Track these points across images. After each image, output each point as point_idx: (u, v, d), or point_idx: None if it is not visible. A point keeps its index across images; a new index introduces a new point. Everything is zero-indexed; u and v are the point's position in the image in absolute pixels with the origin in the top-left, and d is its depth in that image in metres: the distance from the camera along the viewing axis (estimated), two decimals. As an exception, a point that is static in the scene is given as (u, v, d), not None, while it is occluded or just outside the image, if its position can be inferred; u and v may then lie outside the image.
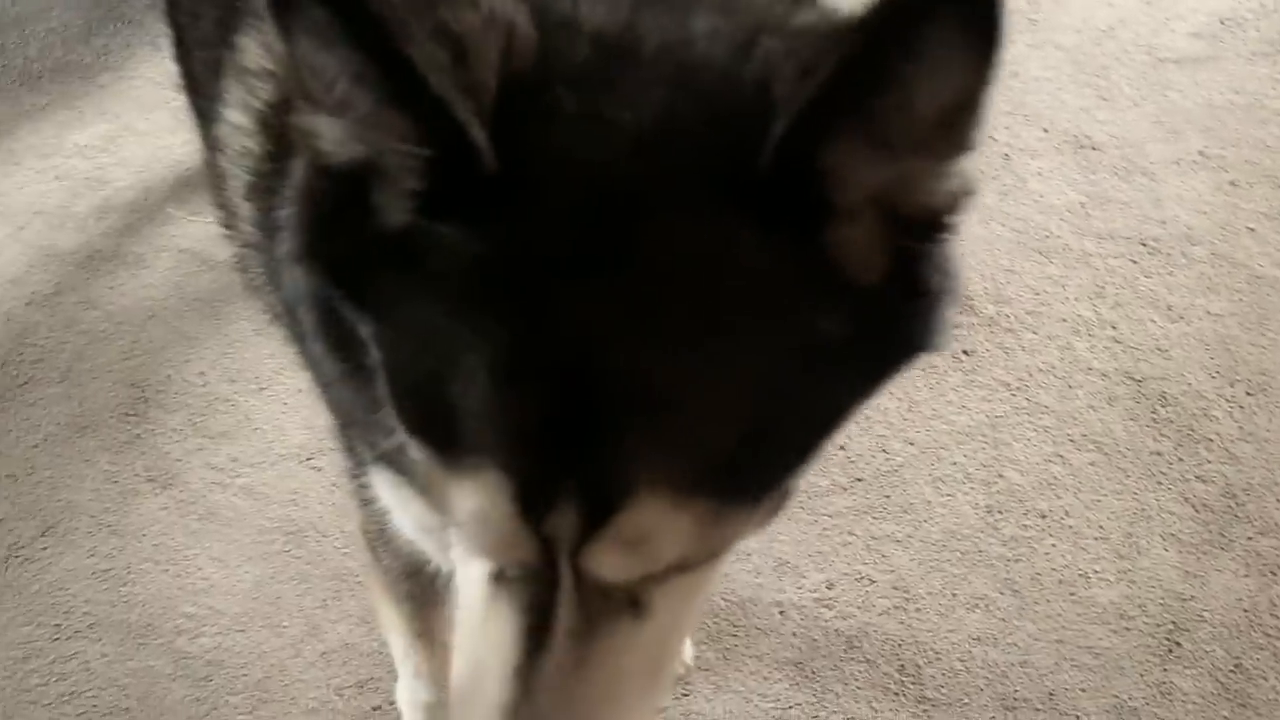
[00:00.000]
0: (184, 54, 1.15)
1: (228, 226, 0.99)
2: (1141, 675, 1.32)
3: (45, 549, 1.41)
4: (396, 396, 0.60)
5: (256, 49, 0.84)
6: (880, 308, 0.55)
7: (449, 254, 0.54)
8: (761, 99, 0.52)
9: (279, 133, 0.80)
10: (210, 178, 1.01)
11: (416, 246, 0.55)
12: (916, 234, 0.56)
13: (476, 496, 0.56)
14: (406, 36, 0.49)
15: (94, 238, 1.72)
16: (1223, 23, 2.01)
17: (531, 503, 0.54)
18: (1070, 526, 1.43)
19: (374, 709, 1.27)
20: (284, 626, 1.34)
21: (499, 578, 0.61)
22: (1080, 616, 1.36)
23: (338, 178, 0.57)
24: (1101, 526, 1.43)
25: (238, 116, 0.86)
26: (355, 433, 0.87)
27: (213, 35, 0.94)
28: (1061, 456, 1.48)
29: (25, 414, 1.53)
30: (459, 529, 0.60)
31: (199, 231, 1.70)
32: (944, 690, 1.30)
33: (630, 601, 0.60)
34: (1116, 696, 1.30)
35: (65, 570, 1.39)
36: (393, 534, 0.94)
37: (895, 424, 1.51)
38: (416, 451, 0.60)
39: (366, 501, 0.92)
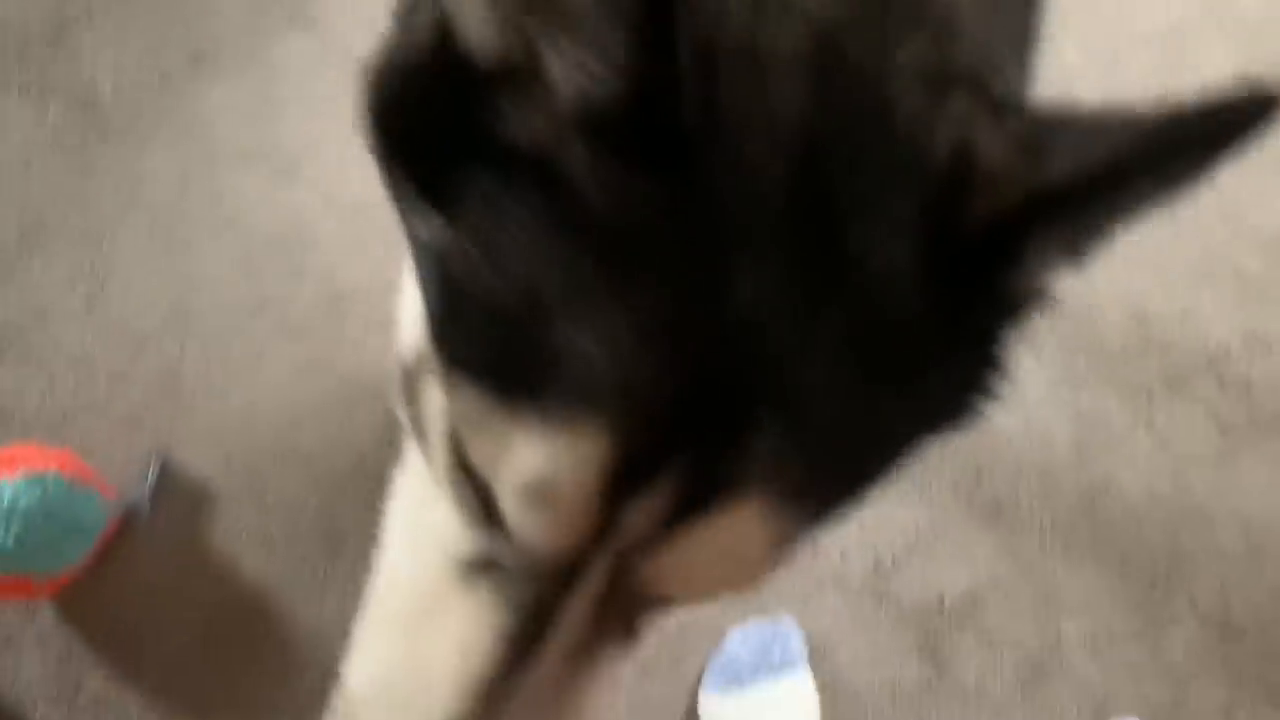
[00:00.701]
0: None
1: None
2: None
3: (194, 79, 1.43)
4: (445, 315, 0.51)
5: None
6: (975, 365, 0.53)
7: (604, 192, 0.46)
8: (960, 164, 0.48)
9: None
10: None
11: (548, 170, 0.47)
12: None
13: (554, 453, 0.47)
14: None
15: None
16: None
17: (625, 475, 0.47)
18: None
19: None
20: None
21: (485, 563, 0.53)
22: (1232, 241, 1.32)
23: (456, 58, 0.47)
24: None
25: None
26: None
27: None
28: (1250, 71, 1.37)
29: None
30: (500, 487, 0.50)
31: None
32: (1076, 294, 1.30)
33: (626, 626, 0.54)
34: (1249, 324, 1.29)
35: (215, 102, 1.41)
36: None
37: (1072, 29, 1.40)
38: (453, 379, 0.50)
39: None
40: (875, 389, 0.49)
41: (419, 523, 0.57)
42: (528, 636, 0.51)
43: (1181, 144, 0.45)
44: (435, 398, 0.53)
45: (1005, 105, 0.52)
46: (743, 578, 0.52)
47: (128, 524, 1.22)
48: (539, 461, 0.47)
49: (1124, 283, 1.30)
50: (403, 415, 0.58)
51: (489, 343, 0.49)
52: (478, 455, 0.50)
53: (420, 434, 0.56)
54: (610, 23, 0.43)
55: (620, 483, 0.46)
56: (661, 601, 0.53)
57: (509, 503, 0.49)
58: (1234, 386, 1.28)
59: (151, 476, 1.23)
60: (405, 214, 0.53)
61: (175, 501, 1.25)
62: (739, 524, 0.48)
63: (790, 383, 0.47)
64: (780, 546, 0.51)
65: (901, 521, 1.25)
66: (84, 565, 1.16)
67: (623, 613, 0.53)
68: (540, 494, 0.48)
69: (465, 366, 0.50)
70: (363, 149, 1.44)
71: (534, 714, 0.51)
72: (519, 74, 0.47)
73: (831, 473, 0.51)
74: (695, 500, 0.47)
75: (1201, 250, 1.31)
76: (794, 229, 0.47)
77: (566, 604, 0.50)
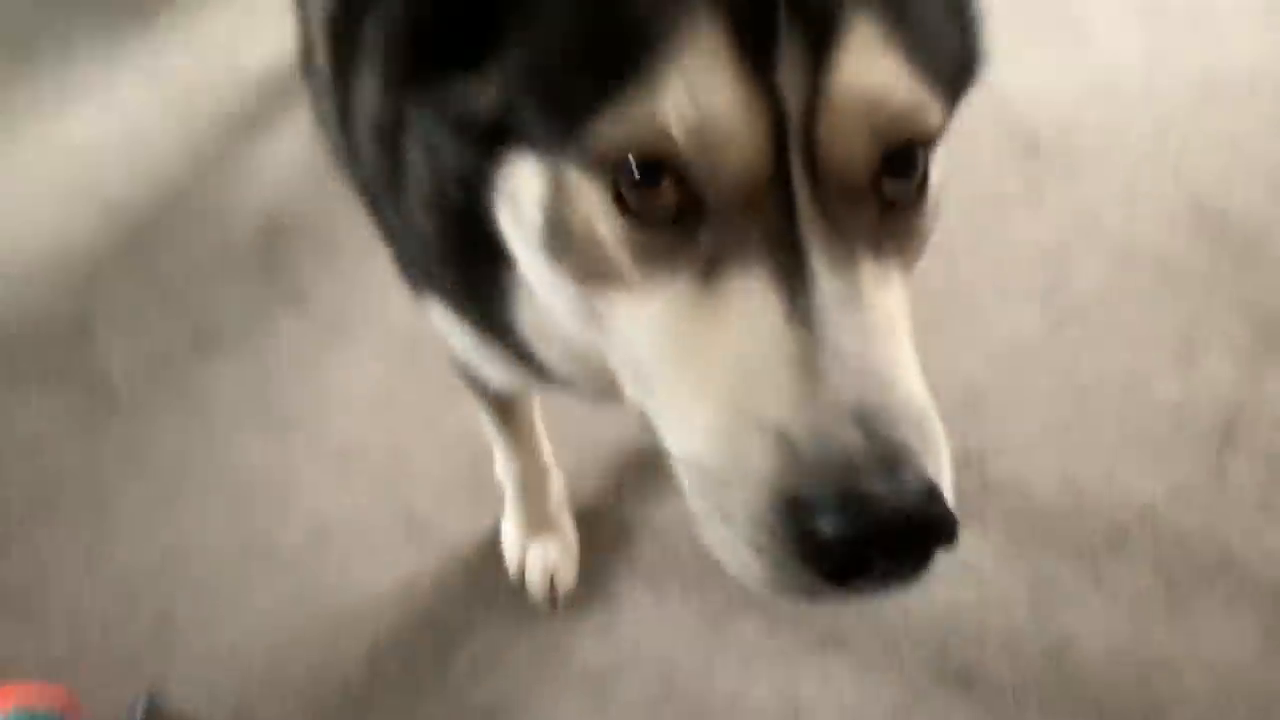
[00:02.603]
0: None
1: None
2: (1197, 461, 1.40)
3: (197, 359, 1.58)
4: (547, 63, 0.57)
5: None
6: None
7: None
8: None
9: None
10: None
11: None
12: None
13: (686, 70, 0.52)
14: None
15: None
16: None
17: (751, 48, 0.52)
18: (1131, 335, 1.52)
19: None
20: (408, 417, 1.49)
21: (707, 273, 0.55)
22: (1141, 410, 1.45)
23: None
24: (1160, 336, 1.51)
25: None
26: (415, 270, 0.89)
27: None
28: (1124, 274, 1.57)
29: (176, 248, 1.70)
30: (678, 144, 0.53)
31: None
32: (1009, 471, 1.40)
33: (870, 243, 0.56)
34: (1173, 477, 1.39)
35: (215, 377, 1.56)
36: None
37: (961, 249, 1.60)
38: (580, 110, 0.55)
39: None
40: None
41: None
42: (794, 279, 0.52)
43: None
44: (533, 188, 0.59)
45: None
46: (902, 108, 0.54)
47: (116, 755, 1.23)
48: (675, 88, 0.52)
49: (1049, 452, 1.41)
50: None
51: (579, 60, 0.55)
52: (636, 143, 0.53)
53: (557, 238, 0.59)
54: None
55: (753, 57, 0.52)
56: (866, 179, 0.55)
57: (691, 158, 0.53)
58: (1169, 539, 1.36)
59: (139, 714, 1.25)
60: None
61: (163, 733, 1.26)
62: (867, 47, 0.53)
63: None
64: (915, 77, 0.55)
65: (880, 699, 1.27)
66: (71, 794, 1.16)
67: (863, 226, 0.55)
68: (692, 107, 0.52)
69: (581, 91, 0.54)
70: (353, 400, 1.53)
71: (848, 339, 0.51)
72: None
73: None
74: (819, 39, 0.52)
75: (1113, 420, 1.44)
76: None
77: (798, 218, 0.53)
